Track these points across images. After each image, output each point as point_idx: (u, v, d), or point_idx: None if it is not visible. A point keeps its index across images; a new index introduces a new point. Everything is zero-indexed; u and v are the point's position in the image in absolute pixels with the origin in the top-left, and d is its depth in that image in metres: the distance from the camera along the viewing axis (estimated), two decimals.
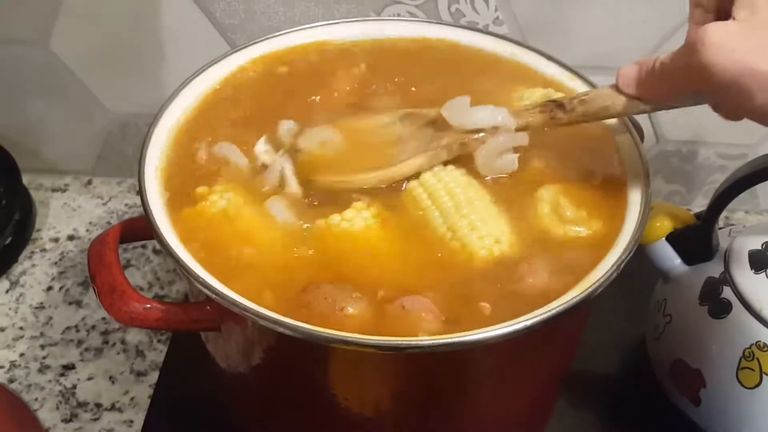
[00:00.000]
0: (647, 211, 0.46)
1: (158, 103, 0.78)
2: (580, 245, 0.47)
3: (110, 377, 0.66)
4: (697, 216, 0.59)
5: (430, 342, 0.39)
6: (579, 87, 0.55)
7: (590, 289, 0.42)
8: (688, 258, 0.59)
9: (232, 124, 0.54)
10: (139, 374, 0.66)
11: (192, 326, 0.46)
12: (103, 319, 0.70)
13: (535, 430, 0.58)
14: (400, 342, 0.40)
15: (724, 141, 0.73)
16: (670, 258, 0.59)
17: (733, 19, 0.40)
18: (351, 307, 0.43)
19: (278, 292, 0.44)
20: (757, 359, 0.53)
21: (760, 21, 0.39)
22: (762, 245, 0.56)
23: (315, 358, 0.44)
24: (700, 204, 0.77)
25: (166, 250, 0.43)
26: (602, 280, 0.42)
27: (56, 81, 0.76)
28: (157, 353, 0.68)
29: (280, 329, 0.40)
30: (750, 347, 0.54)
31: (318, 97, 0.56)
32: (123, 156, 0.82)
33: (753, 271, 0.55)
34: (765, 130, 0.71)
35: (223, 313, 0.44)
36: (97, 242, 0.48)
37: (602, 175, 0.51)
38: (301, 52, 0.59)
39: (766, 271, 0.55)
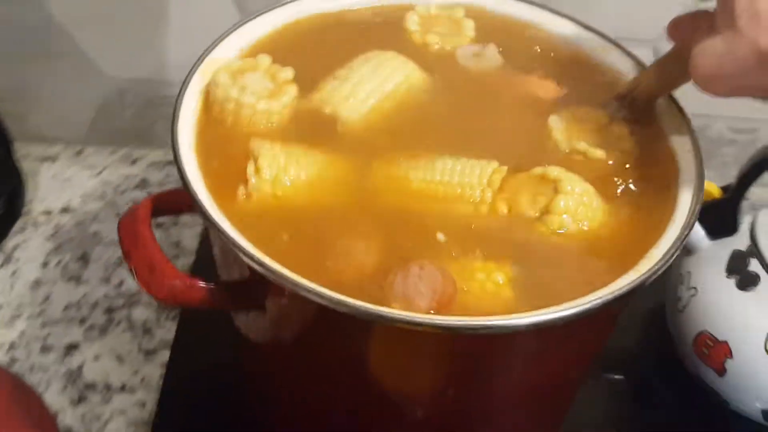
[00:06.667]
0: (701, 195, 0.45)
1: (159, 69, 0.74)
2: None
3: (117, 356, 0.63)
4: (724, 189, 0.59)
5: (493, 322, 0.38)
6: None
7: (652, 270, 0.41)
8: (714, 232, 0.59)
9: None
10: (148, 353, 0.64)
11: (237, 305, 0.44)
12: (105, 295, 0.67)
13: (560, 406, 0.58)
14: (469, 322, 0.38)
15: (736, 115, 0.74)
16: (695, 231, 0.59)
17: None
18: None
19: None
20: None
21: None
22: None
23: (365, 334, 0.43)
24: (709, 177, 0.78)
25: (215, 229, 0.41)
26: (663, 261, 0.42)
27: (51, 43, 0.72)
28: (165, 331, 0.65)
29: (341, 309, 0.38)
30: None
31: None
32: (118, 124, 0.78)
33: None
34: None
35: (271, 291, 0.42)
36: (128, 217, 0.45)
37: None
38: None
39: None
